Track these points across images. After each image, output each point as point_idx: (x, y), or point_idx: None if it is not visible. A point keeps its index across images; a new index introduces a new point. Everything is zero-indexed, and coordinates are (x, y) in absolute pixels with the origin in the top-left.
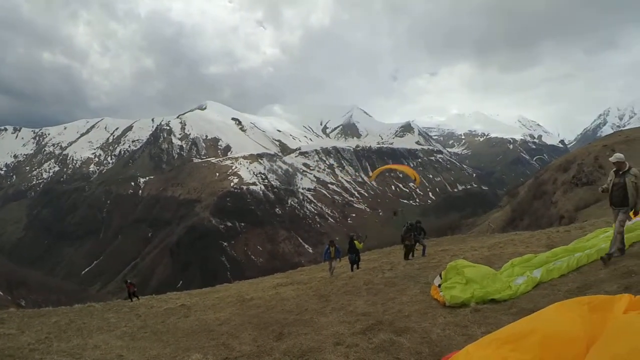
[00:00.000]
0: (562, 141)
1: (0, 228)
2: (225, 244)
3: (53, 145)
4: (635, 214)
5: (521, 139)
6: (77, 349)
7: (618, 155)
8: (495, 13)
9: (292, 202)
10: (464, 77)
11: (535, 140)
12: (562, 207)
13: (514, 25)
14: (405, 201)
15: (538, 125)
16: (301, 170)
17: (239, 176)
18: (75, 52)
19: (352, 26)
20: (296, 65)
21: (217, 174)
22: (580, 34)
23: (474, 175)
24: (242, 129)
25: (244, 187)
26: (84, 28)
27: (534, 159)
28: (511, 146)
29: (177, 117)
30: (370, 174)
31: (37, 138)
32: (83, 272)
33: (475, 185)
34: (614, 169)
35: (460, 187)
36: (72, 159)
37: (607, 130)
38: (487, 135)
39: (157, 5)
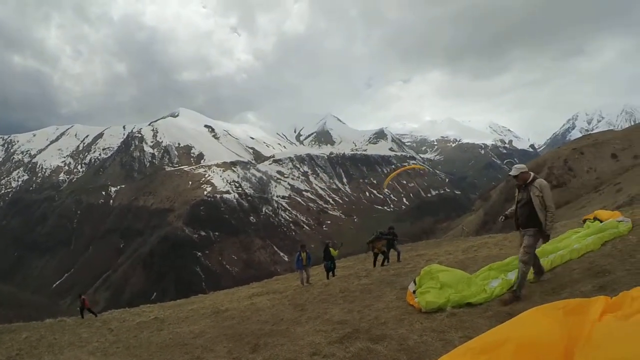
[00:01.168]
0: (532, 145)
1: None
2: (199, 253)
3: (22, 152)
4: (545, 240)
5: (492, 144)
6: None
7: (518, 167)
8: (466, 22)
9: (266, 210)
10: (436, 84)
11: (506, 145)
12: None
13: (484, 34)
14: (380, 207)
15: (509, 130)
16: (275, 178)
17: (212, 184)
18: (46, 56)
19: (327, 33)
20: (270, 72)
21: (190, 183)
22: (547, 42)
23: (447, 180)
24: (215, 137)
25: (218, 196)
26: (56, 31)
27: (504, 162)
28: (483, 151)
29: (149, 125)
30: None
31: (6, 145)
32: (54, 285)
33: (448, 190)
34: (517, 184)
35: (433, 192)
36: (42, 167)
37: (575, 134)
38: (459, 141)
39: (130, 9)
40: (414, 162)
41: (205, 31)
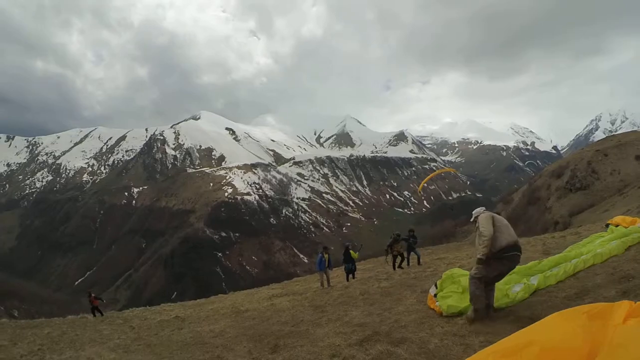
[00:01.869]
0: (555, 147)
1: None
2: (219, 254)
3: (46, 154)
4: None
5: (514, 146)
6: None
7: (474, 212)
8: (481, 23)
9: (286, 212)
10: (455, 86)
11: (528, 147)
12: (557, 212)
13: (500, 35)
14: (400, 210)
15: (530, 132)
16: (295, 180)
17: (233, 186)
18: (68, 60)
19: (344, 36)
20: (289, 74)
21: (211, 184)
22: (563, 41)
23: (468, 182)
24: (236, 139)
25: (238, 197)
26: (77, 37)
27: (525, 163)
28: (504, 153)
29: (171, 127)
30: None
31: (31, 147)
32: (76, 282)
33: (470, 193)
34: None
35: (454, 195)
36: (66, 169)
37: (599, 135)
38: (480, 142)
39: (150, 14)
40: (434, 164)
41: (225, 35)
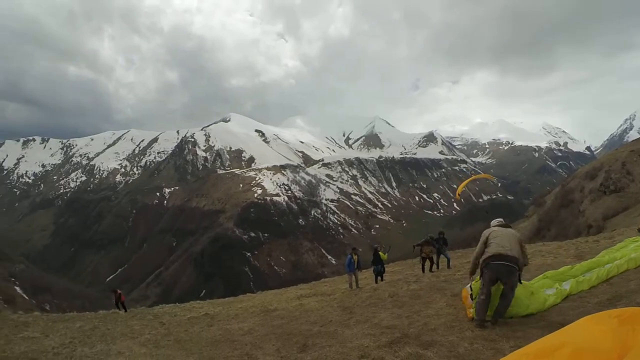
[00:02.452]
0: (588, 147)
1: (27, 235)
2: (248, 254)
3: (80, 155)
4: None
5: (546, 147)
6: (101, 355)
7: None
8: (509, 20)
9: (315, 213)
10: (485, 85)
11: (560, 147)
12: (590, 216)
13: (528, 32)
14: (429, 212)
15: (563, 132)
16: (324, 182)
17: (263, 187)
18: (100, 66)
19: (371, 36)
20: (317, 76)
21: (241, 185)
22: (593, 37)
23: (499, 185)
24: (266, 141)
25: (268, 198)
26: (108, 42)
27: (557, 164)
28: (536, 154)
29: (202, 129)
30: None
31: (65, 149)
32: (107, 279)
33: (501, 195)
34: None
35: (485, 197)
36: (99, 169)
37: (634, 135)
38: (512, 143)
39: (179, 19)
40: (464, 166)
41: (253, 38)
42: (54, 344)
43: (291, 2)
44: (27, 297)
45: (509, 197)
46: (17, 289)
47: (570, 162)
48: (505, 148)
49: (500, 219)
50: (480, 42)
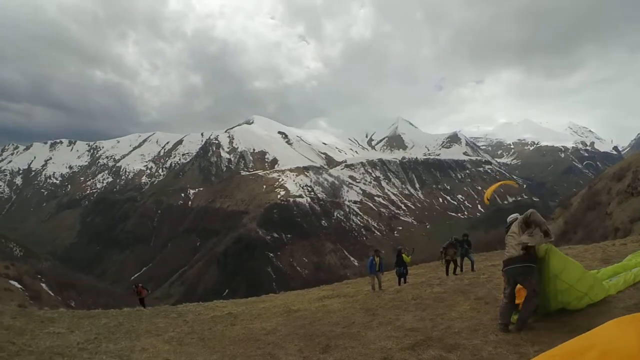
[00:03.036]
0: (615, 147)
1: (54, 234)
2: (271, 254)
3: (107, 157)
4: None
5: (573, 147)
6: (125, 351)
7: (510, 218)
8: (532, 17)
9: (338, 215)
10: (509, 84)
11: (587, 147)
12: (617, 218)
13: (552, 29)
14: (453, 214)
15: (590, 131)
16: (347, 183)
17: (286, 188)
18: (126, 70)
19: (393, 37)
20: (339, 78)
21: (264, 187)
22: (620, 35)
23: (525, 186)
24: (289, 143)
25: (291, 200)
26: (133, 47)
27: (584, 164)
28: (562, 155)
29: (225, 132)
30: (419, 188)
31: (92, 151)
32: (132, 277)
33: (526, 197)
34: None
35: (510, 199)
36: (125, 171)
37: None
38: (537, 143)
39: (201, 23)
40: (489, 167)
41: (274, 41)
42: (79, 339)
43: (312, 4)
44: (52, 294)
45: (535, 199)
46: (43, 285)
47: (597, 163)
48: (531, 148)
49: (514, 215)
50: (504, 41)
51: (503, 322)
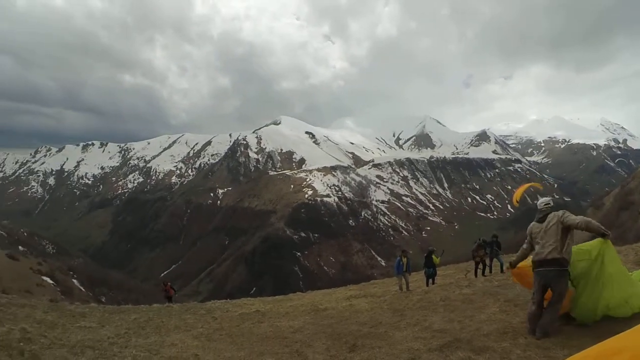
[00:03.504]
0: None
1: (87, 232)
2: (298, 254)
3: (137, 158)
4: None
5: (605, 144)
6: (155, 346)
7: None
8: (562, 9)
9: (365, 214)
10: (539, 80)
11: (620, 145)
12: None
13: (583, 21)
14: (482, 214)
15: (622, 128)
16: (374, 183)
17: (313, 188)
18: (155, 73)
19: (419, 34)
20: (366, 77)
21: (292, 186)
22: None
23: (556, 185)
24: (316, 142)
25: (318, 199)
26: (161, 51)
27: (616, 162)
28: (594, 152)
29: (253, 132)
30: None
31: (123, 152)
32: (162, 274)
33: (557, 197)
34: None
35: (541, 199)
36: (155, 171)
37: None
38: (569, 141)
39: (228, 26)
40: (519, 166)
41: (300, 41)
42: (110, 334)
43: (337, 4)
44: (83, 290)
45: (566, 199)
46: (75, 281)
47: (630, 161)
48: (562, 146)
49: (546, 200)
50: (533, 34)
51: (532, 328)
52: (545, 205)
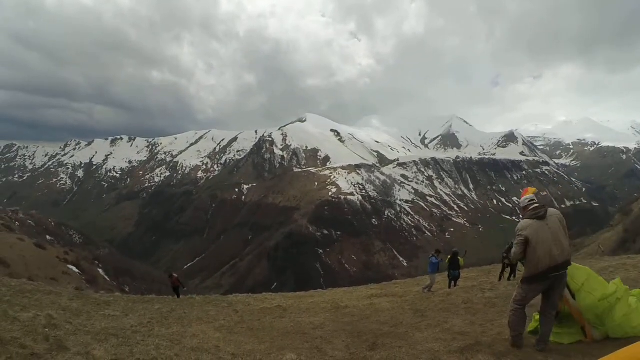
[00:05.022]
0: None
1: (113, 223)
2: (320, 251)
3: (165, 153)
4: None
5: (635, 148)
6: (177, 336)
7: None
8: (594, 7)
9: (388, 214)
10: (569, 80)
11: None
12: None
13: (615, 20)
14: (508, 217)
15: None
16: (399, 182)
17: (337, 186)
18: (182, 70)
19: (447, 32)
20: (392, 75)
21: (316, 184)
22: None
23: (584, 189)
24: (341, 140)
25: (342, 197)
26: (188, 48)
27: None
28: (624, 156)
29: (279, 129)
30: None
31: (150, 147)
32: (185, 267)
33: (585, 201)
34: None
35: (568, 203)
36: (182, 166)
37: None
38: (598, 144)
39: (253, 24)
40: (547, 168)
41: (326, 39)
42: (133, 322)
43: (362, 1)
44: (108, 279)
45: (594, 204)
46: (100, 270)
47: None
48: (591, 149)
49: (528, 199)
50: (563, 33)
51: (517, 333)
52: (530, 201)
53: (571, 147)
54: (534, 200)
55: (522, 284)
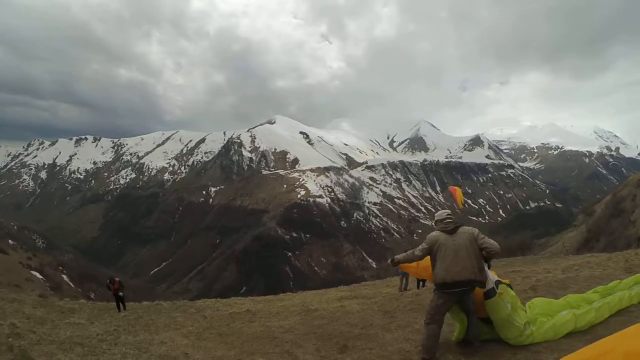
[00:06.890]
0: None
1: (77, 227)
2: (289, 254)
3: (130, 154)
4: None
5: (597, 152)
6: (144, 343)
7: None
8: (561, 17)
9: (357, 216)
10: (535, 86)
11: (612, 152)
12: None
13: (582, 30)
14: (474, 218)
15: (615, 136)
16: (367, 184)
17: (306, 188)
18: (150, 69)
19: (418, 36)
20: (362, 78)
21: (285, 186)
22: None
23: (548, 191)
24: (310, 143)
25: (311, 200)
26: (157, 46)
27: (609, 170)
28: (587, 160)
29: (248, 131)
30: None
31: (116, 147)
32: (152, 272)
33: (549, 202)
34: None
35: (532, 204)
36: (148, 168)
37: None
38: (562, 148)
39: (225, 22)
40: (512, 171)
41: (298, 40)
42: (99, 330)
43: (335, 3)
44: (73, 285)
45: (557, 205)
46: (64, 277)
47: (622, 168)
48: (555, 153)
49: (446, 213)
50: (531, 41)
51: (430, 356)
52: (448, 215)
53: (535, 150)
54: (451, 216)
55: (433, 292)
